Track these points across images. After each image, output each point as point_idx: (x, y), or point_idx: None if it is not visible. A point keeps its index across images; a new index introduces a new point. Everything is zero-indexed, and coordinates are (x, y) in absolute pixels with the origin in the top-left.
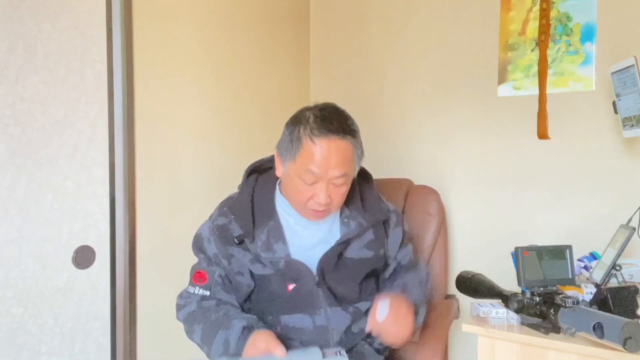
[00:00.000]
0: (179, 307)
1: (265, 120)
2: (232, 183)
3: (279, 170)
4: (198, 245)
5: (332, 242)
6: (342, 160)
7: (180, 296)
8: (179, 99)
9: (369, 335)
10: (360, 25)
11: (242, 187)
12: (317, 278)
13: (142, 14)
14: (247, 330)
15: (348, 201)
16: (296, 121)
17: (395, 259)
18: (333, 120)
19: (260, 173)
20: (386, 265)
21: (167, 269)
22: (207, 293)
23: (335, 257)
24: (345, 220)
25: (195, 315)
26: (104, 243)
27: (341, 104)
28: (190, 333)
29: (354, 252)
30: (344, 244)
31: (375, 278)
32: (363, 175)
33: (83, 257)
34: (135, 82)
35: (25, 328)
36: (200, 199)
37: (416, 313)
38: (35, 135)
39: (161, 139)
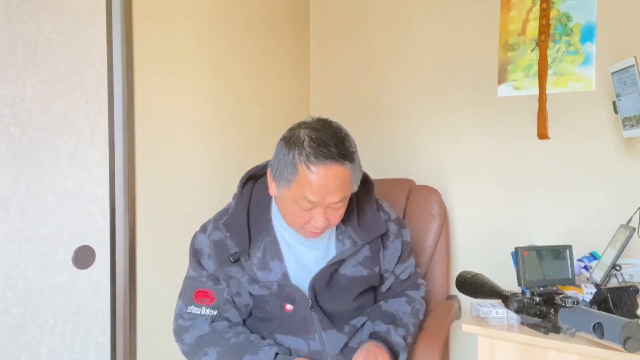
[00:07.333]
0: (183, 330)
1: (265, 120)
2: (231, 183)
3: (273, 191)
4: (197, 259)
5: (327, 260)
6: (341, 186)
7: (182, 317)
8: (179, 98)
9: None
10: (360, 25)
11: (237, 200)
12: (310, 302)
13: (142, 14)
14: (282, 357)
15: (344, 217)
16: (290, 143)
17: (393, 272)
18: (330, 145)
19: (257, 179)
20: (383, 278)
21: (167, 269)
22: (215, 313)
23: (328, 276)
24: (340, 237)
25: (208, 338)
26: (104, 243)
27: (341, 105)
28: (197, 355)
29: (348, 269)
30: (337, 262)
31: (372, 292)
32: (364, 182)
33: (83, 257)
34: (135, 82)
35: (25, 328)
36: (200, 199)
37: (396, 356)
38: (35, 135)
39: (161, 139)
